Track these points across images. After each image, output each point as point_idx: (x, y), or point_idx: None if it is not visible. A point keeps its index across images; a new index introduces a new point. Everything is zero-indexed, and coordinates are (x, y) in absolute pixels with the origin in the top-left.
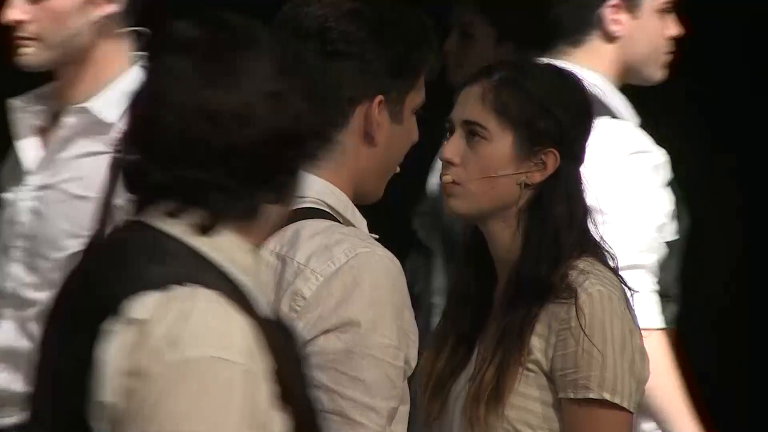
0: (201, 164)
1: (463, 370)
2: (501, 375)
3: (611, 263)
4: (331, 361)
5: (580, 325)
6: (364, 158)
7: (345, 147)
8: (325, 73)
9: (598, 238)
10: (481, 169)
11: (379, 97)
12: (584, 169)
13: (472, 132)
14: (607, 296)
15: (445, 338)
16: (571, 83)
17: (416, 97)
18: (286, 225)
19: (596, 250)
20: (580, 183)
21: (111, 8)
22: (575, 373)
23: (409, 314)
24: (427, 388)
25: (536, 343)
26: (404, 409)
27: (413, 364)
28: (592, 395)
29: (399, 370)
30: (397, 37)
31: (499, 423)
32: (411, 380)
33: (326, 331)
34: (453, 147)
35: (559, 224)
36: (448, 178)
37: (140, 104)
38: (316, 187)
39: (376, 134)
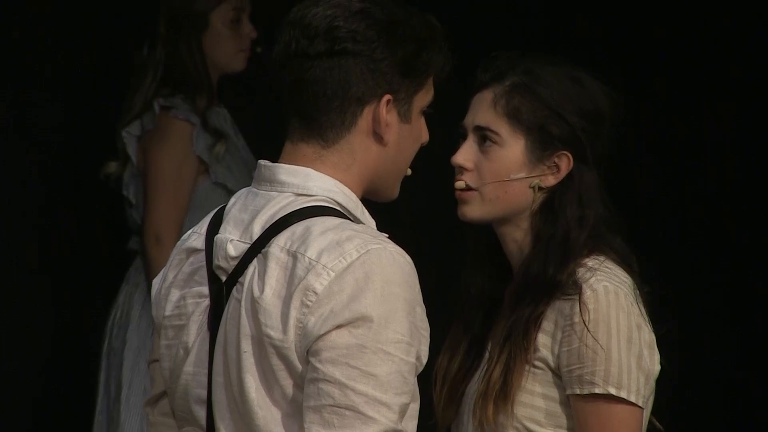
0: None
1: (476, 371)
2: (508, 373)
3: (626, 262)
4: (344, 356)
5: (583, 321)
6: (374, 158)
7: (354, 147)
8: (333, 72)
9: (614, 239)
10: (494, 173)
11: (387, 97)
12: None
13: (485, 137)
14: (612, 291)
15: (458, 342)
16: (584, 87)
17: (425, 97)
18: (296, 222)
19: (609, 250)
20: (594, 186)
21: None
22: (580, 369)
23: (420, 310)
24: (442, 393)
25: (543, 339)
26: (415, 406)
27: (424, 360)
28: (597, 390)
29: (411, 366)
30: (405, 36)
31: (508, 421)
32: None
33: (338, 326)
34: (465, 152)
35: (570, 226)
36: (461, 183)
37: None
38: (326, 186)
39: (385, 134)
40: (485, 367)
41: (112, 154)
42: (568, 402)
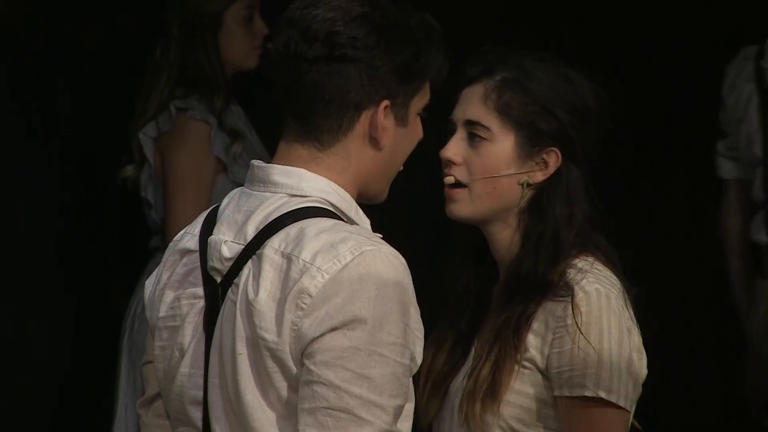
0: None
1: (461, 368)
2: (496, 372)
3: (612, 262)
4: (339, 359)
5: (576, 323)
6: (369, 161)
7: (350, 150)
8: (332, 77)
9: (599, 238)
10: (483, 169)
11: (385, 103)
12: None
13: (474, 132)
14: (604, 294)
15: (443, 339)
16: (573, 84)
17: (422, 100)
18: (290, 223)
19: (596, 250)
20: (582, 183)
21: None
22: (571, 371)
23: (414, 311)
24: (425, 388)
25: (532, 340)
26: (409, 407)
27: (419, 361)
28: (587, 393)
29: (405, 368)
30: (405, 42)
31: (495, 420)
32: (415, 378)
33: (333, 329)
34: (454, 146)
35: (559, 224)
36: (450, 179)
37: None
38: (320, 187)
39: (381, 138)
40: (473, 365)
41: (125, 156)
42: (556, 403)
